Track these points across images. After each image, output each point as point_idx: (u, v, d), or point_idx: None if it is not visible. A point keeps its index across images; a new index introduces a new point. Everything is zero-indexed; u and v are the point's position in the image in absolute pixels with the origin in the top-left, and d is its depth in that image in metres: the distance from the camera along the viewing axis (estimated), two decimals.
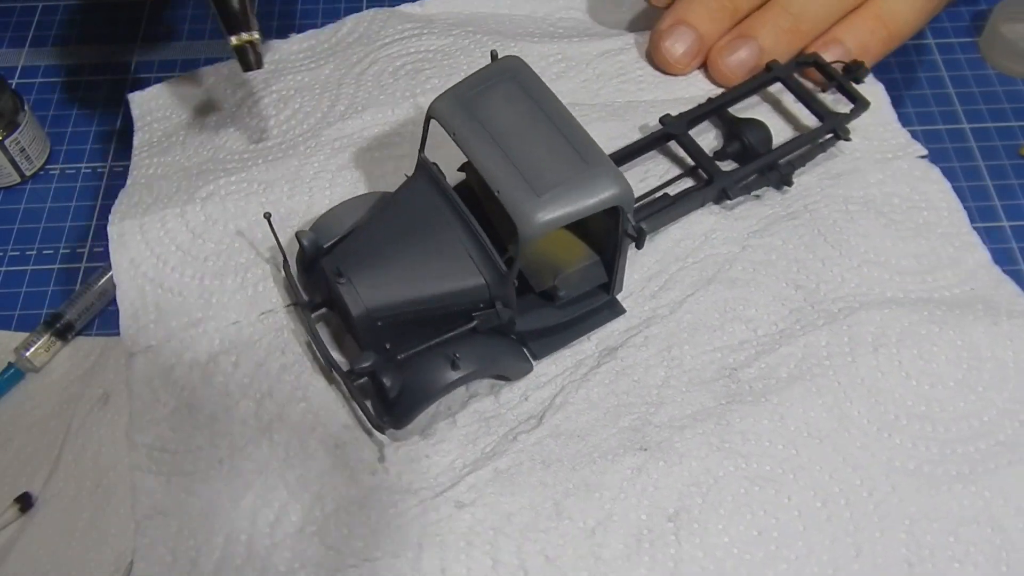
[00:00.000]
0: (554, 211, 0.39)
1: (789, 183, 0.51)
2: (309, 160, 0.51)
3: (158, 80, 0.64)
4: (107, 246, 0.52)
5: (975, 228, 0.51)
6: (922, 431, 0.43)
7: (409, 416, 0.42)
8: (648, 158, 0.52)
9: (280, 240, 0.45)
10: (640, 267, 0.48)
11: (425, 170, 0.45)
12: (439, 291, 0.42)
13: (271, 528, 0.41)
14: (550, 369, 0.45)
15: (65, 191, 0.59)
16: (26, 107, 0.58)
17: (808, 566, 0.40)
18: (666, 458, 0.42)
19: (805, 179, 0.51)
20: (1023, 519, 0.42)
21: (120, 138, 0.61)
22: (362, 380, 0.43)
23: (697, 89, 0.55)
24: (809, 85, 0.55)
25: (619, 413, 0.44)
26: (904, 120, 0.55)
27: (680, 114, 0.52)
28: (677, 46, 0.55)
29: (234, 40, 0.48)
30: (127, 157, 0.60)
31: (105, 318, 0.53)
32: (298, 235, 0.44)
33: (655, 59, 0.56)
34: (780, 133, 0.53)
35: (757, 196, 0.51)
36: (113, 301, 0.53)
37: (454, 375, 0.42)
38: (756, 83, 0.53)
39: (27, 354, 0.50)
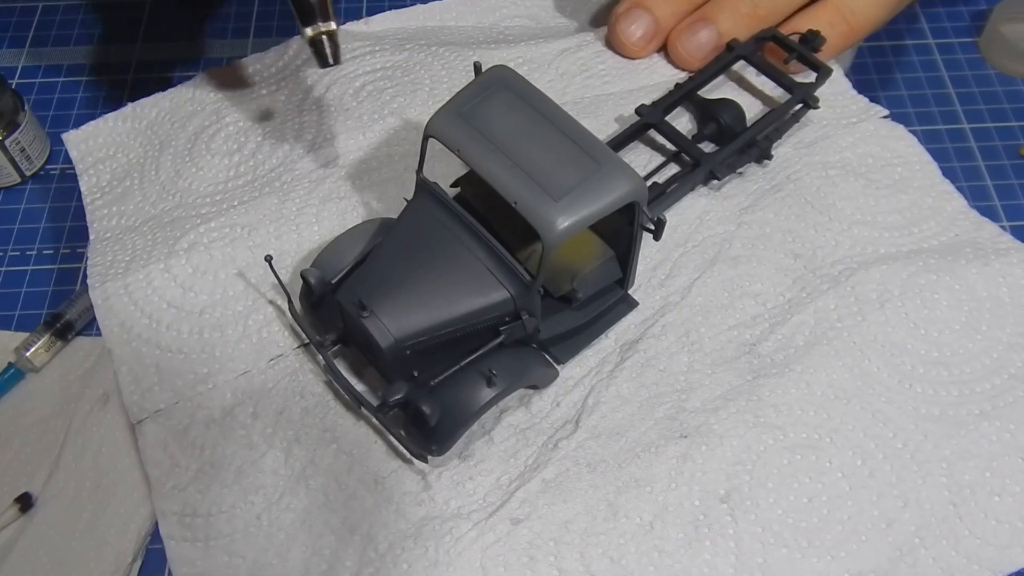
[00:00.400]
0: (575, 215, 0.39)
1: (769, 156, 0.52)
2: (289, 196, 0.50)
3: (158, 80, 0.64)
4: None
5: None
6: (939, 377, 0.45)
7: (451, 440, 0.42)
8: (630, 149, 0.53)
9: (282, 281, 0.44)
10: (644, 258, 0.48)
11: (427, 190, 0.44)
12: (465, 311, 0.41)
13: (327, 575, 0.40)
14: (575, 372, 0.45)
15: (65, 191, 0.59)
16: (26, 107, 0.58)
17: (862, 523, 0.41)
18: (707, 442, 0.42)
19: (783, 151, 0.52)
20: None
21: None
22: (392, 411, 0.42)
23: (660, 76, 0.56)
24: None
25: (652, 405, 0.44)
26: (904, 120, 0.55)
27: (654, 102, 0.52)
28: (634, 29, 0.55)
29: (310, 32, 0.45)
30: None
31: None
32: (303, 274, 0.43)
33: (613, 43, 0.56)
34: (750, 109, 0.54)
35: (740, 173, 0.52)
36: None
37: (491, 392, 0.41)
38: (721, 63, 0.54)
39: (27, 354, 0.50)
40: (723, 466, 0.42)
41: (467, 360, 0.41)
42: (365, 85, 0.55)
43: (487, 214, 0.45)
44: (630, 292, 0.47)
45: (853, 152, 0.52)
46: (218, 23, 0.68)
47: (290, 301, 0.45)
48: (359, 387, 0.45)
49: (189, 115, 0.55)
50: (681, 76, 0.55)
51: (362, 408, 0.43)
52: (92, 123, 0.56)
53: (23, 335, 0.51)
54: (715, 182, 0.51)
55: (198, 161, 0.53)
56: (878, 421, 0.43)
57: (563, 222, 0.38)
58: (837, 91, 0.55)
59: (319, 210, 0.50)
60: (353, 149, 0.52)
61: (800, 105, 0.52)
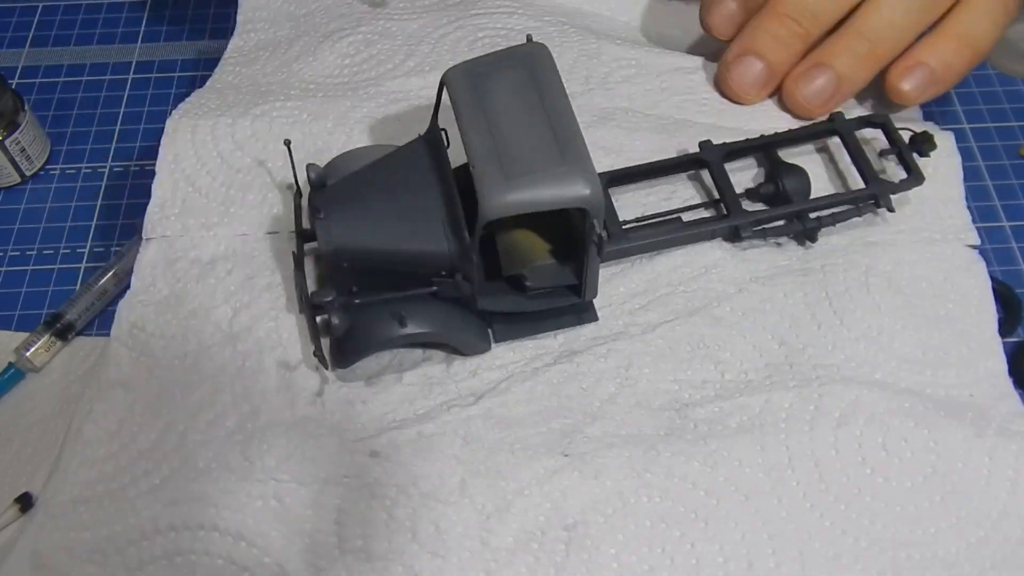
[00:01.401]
0: (516, 195, 0.39)
1: (813, 239, 0.49)
2: (362, 104, 0.53)
3: (158, 80, 0.64)
4: (107, 246, 0.53)
5: (975, 228, 0.50)
6: (858, 522, 0.41)
7: (349, 359, 0.44)
8: (678, 180, 0.51)
9: (297, 169, 0.47)
10: (628, 282, 0.48)
11: (432, 134, 0.46)
12: (404, 248, 0.43)
13: (205, 426, 0.44)
14: (507, 355, 0.46)
15: (65, 191, 0.59)
16: (26, 107, 0.58)
17: None
18: (583, 469, 0.42)
19: (834, 240, 0.49)
20: None
21: (120, 138, 0.62)
22: (324, 316, 0.44)
23: (759, 124, 0.53)
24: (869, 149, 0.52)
25: (555, 414, 0.44)
26: None
27: (721, 143, 0.50)
28: (745, 77, 0.53)
29: None
30: (127, 157, 0.61)
31: (105, 318, 0.53)
32: (308, 167, 0.45)
33: (723, 90, 0.54)
34: (823, 188, 0.51)
35: (778, 244, 0.49)
36: (113, 301, 0.53)
37: (399, 331, 0.43)
38: (813, 130, 0.51)
39: (27, 354, 0.50)
40: (585, 498, 0.41)
41: (394, 295, 0.43)
42: (484, 38, 0.57)
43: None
44: (598, 308, 0.47)
45: (911, 270, 0.48)
46: (218, 23, 0.68)
47: (299, 189, 0.48)
48: (316, 287, 0.47)
49: (338, 15, 0.60)
50: (777, 129, 0.52)
51: (303, 302, 0.45)
52: None
53: (23, 335, 0.51)
54: (742, 243, 0.49)
55: (318, 54, 0.57)
56: (765, 531, 0.41)
57: (502, 197, 0.39)
58: (941, 198, 0.50)
59: (375, 124, 0.53)
60: (436, 86, 0.53)
61: (870, 201, 0.49)
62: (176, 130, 0.52)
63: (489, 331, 0.46)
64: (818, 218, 0.49)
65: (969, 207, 0.51)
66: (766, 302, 0.47)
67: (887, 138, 0.51)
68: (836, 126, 0.51)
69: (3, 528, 0.46)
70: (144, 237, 0.50)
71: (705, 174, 0.51)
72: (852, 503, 0.42)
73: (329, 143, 0.52)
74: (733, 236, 0.49)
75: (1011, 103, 0.62)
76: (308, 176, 0.45)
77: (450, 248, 0.42)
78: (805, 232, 0.49)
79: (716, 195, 0.50)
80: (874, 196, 0.49)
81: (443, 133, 0.45)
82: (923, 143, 0.50)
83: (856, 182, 0.50)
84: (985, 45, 0.52)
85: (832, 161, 0.52)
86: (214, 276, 0.48)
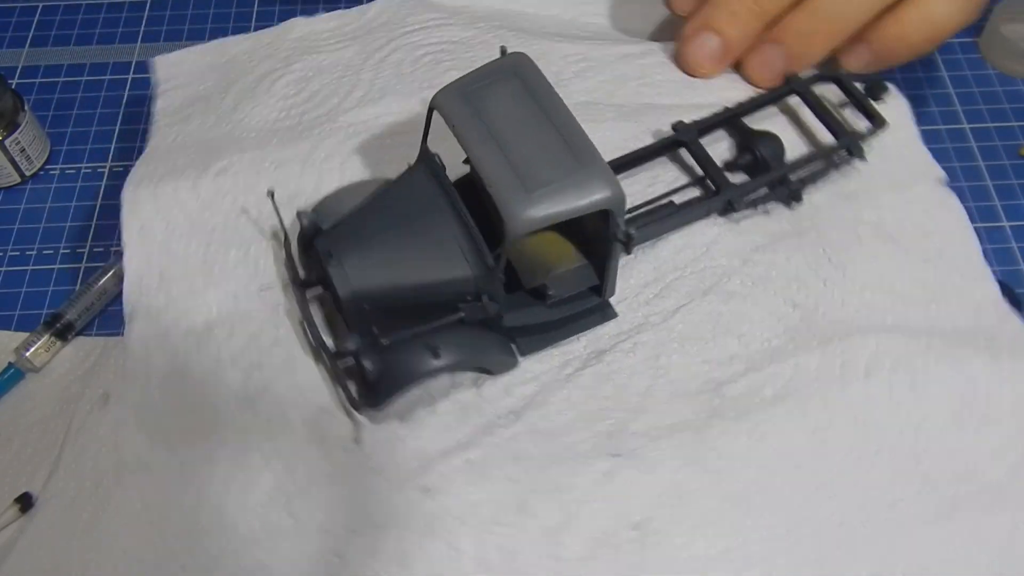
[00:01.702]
0: (542, 209, 0.39)
1: (799, 199, 0.50)
2: (322, 143, 0.52)
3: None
4: (107, 246, 0.53)
5: (975, 228, 0.50)
6: (904, 467, 0.42)
7: (385, 399, 0.43)
8: (658, 164, 0.52)
9: (282, 218, 0.46)
10: (636, 273, 0.48)
11: (426, 160, 0.45)
12: (427, 280, 0.42)
13: (242, 493, 0.42)
14: (536, 367, 0.45)
15: (65, 191, 0.59)
16: (26, 107, 0.58)
17: None
18: (638, 466, 0.42)
19: (816, 197, 0.50)
20: (996, 568, 0.40)
21: (120, 138, 0.62)
22: (347, 361, 0.43)
23: (716, 96, 0.54)
24: (832, 100, 0.53)
25: (597, 417, 0.43)
26: None
27: (692, 122, 0.51)
28: (702, 51, 0.54)
29: None
30: (127, 157, 0.61)
31: (105, 318, 0.53)
32: (299, 214, 0.45)
33: (681, 64, 0.55)
34: (795, 148, 0.52)
35: (766, 211, 0.50)
36: (113, 301, 0.53)
37: (433, 364, 0.42)
38: (773, 95, 0.53)
39: (27, 354, 0.50)
40: (646, 494, 0.41)
41: (421, 328, 0.42)
42: (425, 55, 0.57)
43: (484, 196, 0.45)
44: (614, 304, 0.47)
45: (893, 214, 0.49)
46: (218, 23, 0.68)
47: (287, 238, 0.47)
48: (326, 334, 0.46)
49: (263, 57, 0.58)
50: (736, 100, 0.53)
51: (321, 351, 0.44)
52: (181, 51, 0.59)
53: (23, 335, 0.51)
54: (734, 214, 0.49)
55: (257, 99, 0.56)
56: (822, 494, 0.42)
57: (529, 214, 0.39)
58: (899, 140, 0.52)
59: (344, 161, 0.51)
60: (394, 112, 0.54)
61: (844, 152, 0.50)
62: (136, 201, 0.50)
63: (512, 346, 0.45)
64: (800, 179, 0.50)
65: (969, 207, 0.51)
66: (771, 268, 0.47)
67: (843, 90, 0.52)
68: (794, 86, 0.52)
69: (3, 528, 0.46)
70: (127, 318, 0.47)
71: (683, 155, 0.51)
72: (896, 449, 0.43)
73: (301, 187, 0.50)
74: (725, 210, 0.49)
75: (1011, 103, 0.62)
76: (301, 223, 0.44)
77: (474, 271, 0.42)
78: (791, 194, 0.49)
79: (699, 173, 0.50)
80: (848, 147, 0.50)
81: (435, 157, 0.45)
82: (876, 88, 0.51)
83: (824, 137, 0.52)
84: (948, 24, 0.52)
85: (796, 122, 0.53)
86: (214, 342, 0.46)
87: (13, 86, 0.59)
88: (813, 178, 0.50)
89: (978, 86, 0.63)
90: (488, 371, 0.45)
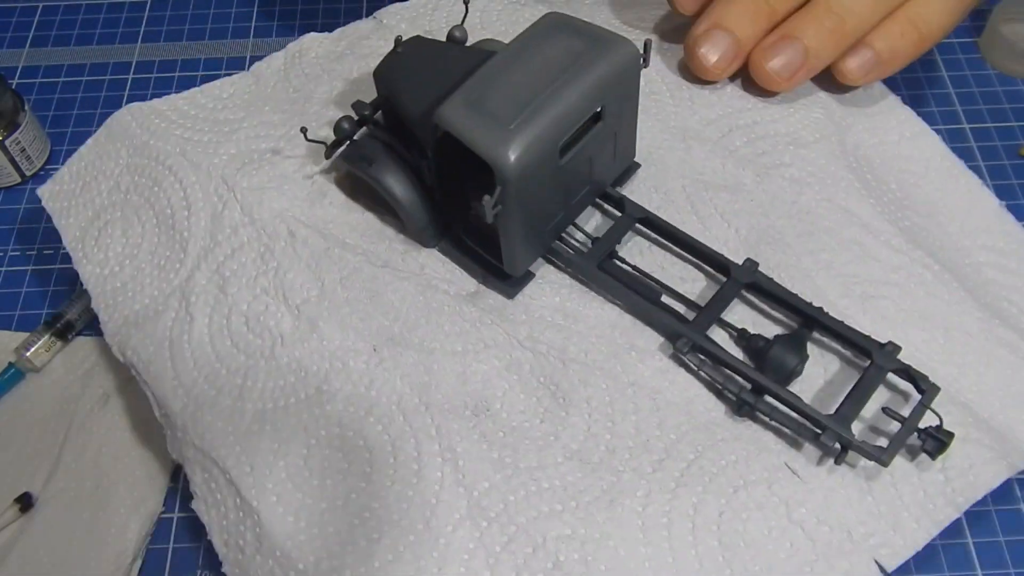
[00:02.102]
0: (454, 119, 0.41)
1: (749, 416, 0.43)
2: None
3: (158, 80, 0.64)
4: None
5: None
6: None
7: (332, 153, 0.48)
8: (714, 275, 0.48)
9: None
10: (566, 299, 0.47)
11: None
12: (408, 105, 0.46)
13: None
14: (434, 264, 0.48)
15: None
16: (26, 107, 0.58)
17: None
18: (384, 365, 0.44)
19: (768, 436, 0.43)
20: None
21: None
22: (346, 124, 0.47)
23: (843, 307, 0.46)
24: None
25: (395, 317, 0.46)
26: None
27: (758, 272, 0.46)
28: (712, 52, 0.52)
29: None
30: None
31: None
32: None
33: (691, 66, 0.53)
34: (807, 390, 0.44)
35: (719, 390, 0.44)
36: None
37: (364, 165, 0.47)
38: (850, 337, 0.44)
39: (27, 354, 0.50)
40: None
41: (389, 140, 0.48)
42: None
43: None
44: (527, 295, 0.47)
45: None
46: (218, 23, 0.68)
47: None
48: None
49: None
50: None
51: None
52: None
53: (23, 335, 0.51)
54: (686, 359, 0.44)
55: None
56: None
57: (443, 112, 0.42)
58: (891, 499, 0.42)
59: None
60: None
61: (831, 442, 0.41)
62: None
63: (439, 240, 0.48)
64: (768, 403, 0.42)
65: None
66: (638, 411, 0.43)
67: (915, 406, 0.42)
68: (876, 357, 0.43)
69: (3, 528, 0.46)
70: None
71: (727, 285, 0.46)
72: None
73: None
74: (686, 345, 0.44)
75: (1011, 103, 0.62)
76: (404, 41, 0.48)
77: (429, 132, 0.44)
78: (738, 402, 0.42)
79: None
80: (838, 441, 0.41)
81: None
82: (936, 439, 0.41)
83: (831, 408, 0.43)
84: (936, 31, 0.52)
85: (848, 374, 0.45)
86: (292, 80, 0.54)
87: (13, 86, 0.59)
88: (776, 419, 0.42)
89: (978, 86, 0.63)
90: (403, 224, 0.48)
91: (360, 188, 0.49)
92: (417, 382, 0.44)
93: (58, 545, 0.46)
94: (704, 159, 0.51)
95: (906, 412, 0.42)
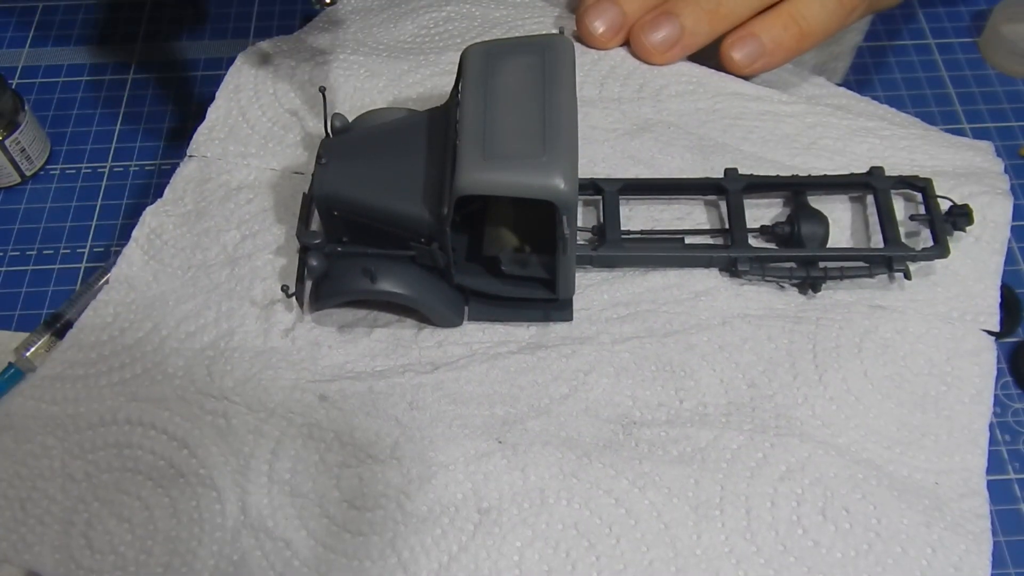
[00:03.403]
0: (488, 176, 0.40)
1: (816, 289, 0.47)
2: (417, 70, 0.55)
3: (158, 80, 0.64)
4: (107, 246, 0.53)
5: None
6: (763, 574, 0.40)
7: (318, 303, 0.46)
8: (696, 203, 0.50)
9: (329, 117, 0.48)
10: (615, 291, 0.47)
11: (448, 105, 0.46)
12: (386, 207, 0.44)
13: (185, 337, 0.47)
14: (477, 335, 0.47)
15: (65, 191, 0.59)
16: (26, 107, 0.58)
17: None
18: (511, 459, 0.42)
19: (840, 295, 0.47)
20: None
21: (120, 138, 0.61)
22: (310, 254, 0.46)
23: (801, 161, 0.52)
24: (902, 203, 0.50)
25: (503, 400, 0.44)
26: None
27: (744, 175, 0.49)
28: (600, 22, 0.55)
29: None
30: (127, 157, 0.61)
31: None
32: (333, 117, 0.47)
33: (580, 35, 0.56)
34: (843, 238, 0.49)
35: (781, 287, 0.48)
36: None
37: (367, 285, 0.44)
38: (845, 180, 0.49)
39: (27, 354, 0.50)
40: (505, 487, 0.42)
41: (372, 251, 0.45)
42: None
43: None
44: (577, 310, 0.47)
45: (911, 345, 0.46)
46: (218, 23, 0.68)
47: (327, 133, 0.49)
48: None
49: None
50: (818, 171, 0.50)
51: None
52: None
53: (23, 335, 0.51)
54: (742, 278, 0.47)
55: (400, 22, 0.59)
56: (673, 565, 0.40)
57: (474, 175, 0.40)
58: (972, 272, 0.48)
59: (424, 91, 0.55)
60: None
61: (883, 264, 0.47)
62: (244, 63, 0.56)
63: (466, 309, 0.47)
64: (825, 269, 0.47)
65: None
66: (747, 341, 0.46)
67: (925, 203, 0.49)
68: (873, 180, 0.49)
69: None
70: (188, 154, 0.53)
71: (724, 202, 0.50)
72: (773, 559, 0.40)
73: (376, 100, 0.54)
74: (731, 268, 0.47)
75: (1011, 103, 0.62)
76: (332, 125, 0.47)
77: (429, 216, 0.43)
78: (809, 280, 0.47)
79: (727, 224, 0.49)
80: (889, 260, 0.46)
81: (457, 106, 0.46)
82: (960, 215, 0.47)
83: (879, 241, 0.48)
84: (817, 29, 0.54)
85: (862, 214, 0.50)
86: (235, 201, 0.51)
87: (13, 86, 0.59)
88: (841, 274, 0.47)
89: (978, 86, 0.63)
90: (429, 320, 0.46)
91: (347, 313, 0.47)
92: (562, 439, 0.43)
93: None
94: (604, 116, 0.53)
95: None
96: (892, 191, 0.49)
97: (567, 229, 0.41)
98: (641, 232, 0.49)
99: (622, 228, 0.48)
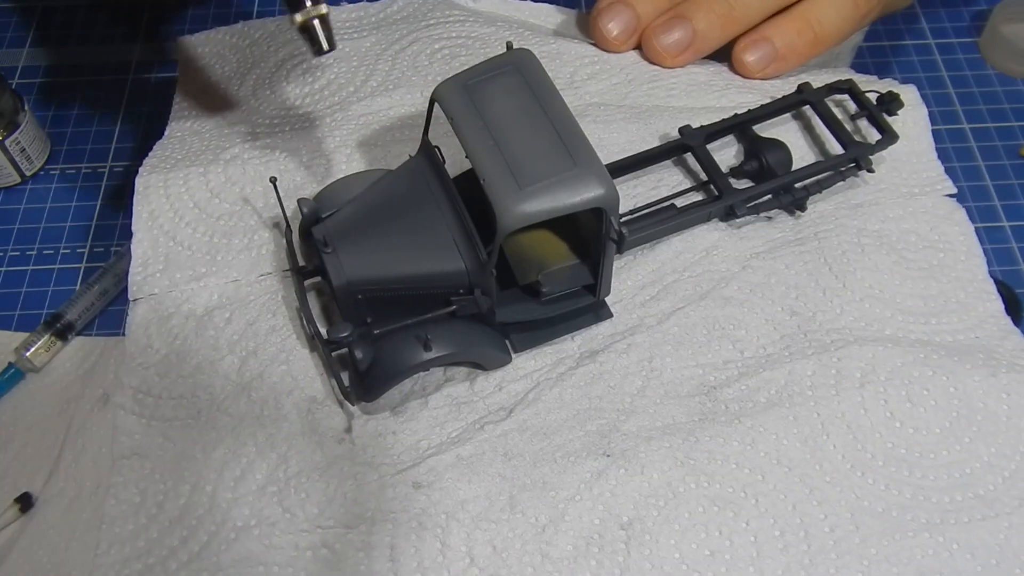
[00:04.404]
0: (534, 204, 0.39)
1: (802, 208, 0.50)
2: (332, 133, 0.53)
3: (158, 80, 0.64)
4: (107, 246, 0.53)
5: (975, 228, 0.50)
6: (898, 474, 0.42)
7: (377, 391, 0.43)
8: (663, 167, 0.52)
9: (284, 206, 0.46)
10: (635, 275, 0.48)
11: (426, 152, 0.45)
12: (419, 272, 0.43)
13: (235, 483, 0.42)
14: (529, 364, 0.46)
15: (65, 191, 0.59)
16: (26, 107, 0.58)
17: None
18: (628, 466, 0.42)
19: (821, 206, 0.50)
20: None
21: (120, 138, 0.61)
22: (340, 351, 0.43)
23: (728, 101, 0.54)
24: (840, 111, 0.53)
25: (589, 416, 0.44)
26: None
27: (700, 127, 0.51)
28: (614, 24, 0.56)
29: (299, 17, 0.42)
30: (127, 157, 0.61)
31: (105, 318, 0.53)
32: (299, 202, 0.45)
33: (594, 36, 0.57)
34: (803, 157, 0.52)
35: (768, 218, 0.50)
36: (113, 301, 0.53)
37: (424, 356, 0.42)
38: (783, 103, 0.53)
39: (27, 354, 0.50)
40: (635, 494, 0.41)
41: (414, 320, 0.42)
42: (442, 48, 0.57)
43: (480, 191, 0.45)
44: (610, 304, 0.47)
45: (898, 225, 0.49)
46: (218, 23, 0.68)
47: (288, 226, 0.47)
48: (322, 323, 0.46)
49: (284, 43, 0.59)
50: (747, 105, 0.53)
51: (316, 340, 0.44)
52: (204, 32, 0.61)
53: (23, 335, 0.51)
54: (736, 220, 0.49)
55: (274, 86, 0.56)
56: (813, 498, 0.42)
57: (520, 209, 0.39)
58: (913, 151, 0.52)
59: (353, 151, 0.52)
60: (407, 104, 0.54)
61: (851, 164, 0.50)
62: (147, 187, 0.51)
63: (507, 342, 0.46)
64: (804, 187, 0.50)
65: (969, 207, 0.52)
66: (770, 276, 0.48)
67: (855, 101, 0.52)
68: (805, 95, 0.52)
69: (3, 528, 0.46)
70: (130, 299, 0.48)
71: (689, 158, 0.52)
72: (889, 457, 0.43)
73: (308, 177, 0.51)
74: (727, 215, 0.49)
75: (1011, 103, 0.62)
76: (301, 211, 0.44)
77: (467, 265, 0.42)
78: (794, 202, 0.50)
79: (704, 178, 0.51)
80: (855, 159, 0.50)
81: (436, 150, 0.45)
82: (891, 102, 0.52)
83: (833, 148, 0.52)
84: (832, 33, 0.55)
85: (807, 130, 0.54)
86: (213, 327, 0.47)
87: (13, 86, 0.59)
88: (819, 187, 0.50)
89: (978, 86, 0.63)
90: (481, 366, 0.45)
91: (390, 396, 0.44)
92: (660, 429, 0.43)
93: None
94: None
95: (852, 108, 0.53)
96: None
97: (616, 228, 0.41)
98: (632, 212, 0.49)
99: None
